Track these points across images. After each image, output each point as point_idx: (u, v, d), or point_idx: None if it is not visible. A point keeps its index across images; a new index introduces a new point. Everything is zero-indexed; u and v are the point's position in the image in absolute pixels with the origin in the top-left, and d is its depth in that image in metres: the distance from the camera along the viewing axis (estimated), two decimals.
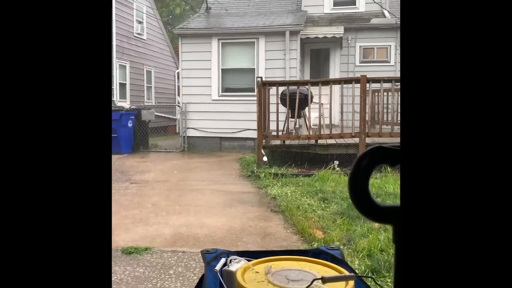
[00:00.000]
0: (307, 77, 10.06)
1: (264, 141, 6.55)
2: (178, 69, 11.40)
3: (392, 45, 9.72)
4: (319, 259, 1.12)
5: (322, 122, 6.52)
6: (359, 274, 1.02)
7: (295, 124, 6.58)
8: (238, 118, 9.05)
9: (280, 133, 6.43)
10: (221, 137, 9.33)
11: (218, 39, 9.23)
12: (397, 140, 6.15)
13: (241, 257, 1.13)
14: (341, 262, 1.16)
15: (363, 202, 0.56)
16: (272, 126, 6.82)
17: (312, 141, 6.43)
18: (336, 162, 6.07)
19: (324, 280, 0.80)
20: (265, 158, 6.46)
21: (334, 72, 10.02)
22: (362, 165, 0.56)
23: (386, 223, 0.58)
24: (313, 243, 3.09)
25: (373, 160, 0.56)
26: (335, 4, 10.61)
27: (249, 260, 1.07)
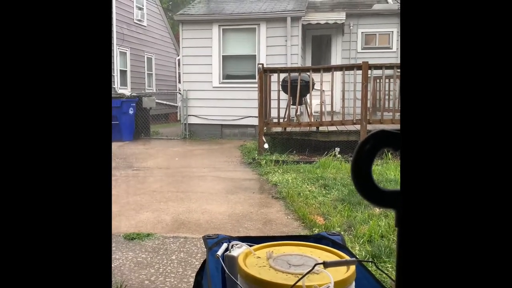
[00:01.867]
0: (308, 63, 10.00)
1: (265, 128, 6.54)
2: (178, 56, 11.32)
3: (395, 31, 9.63)
4: (320, 244, 1.13)
5: (323, 109, 6.50)
6: (360, 259, 1.03)
7: (296, 111, 6.56)
8: (239, 105, 9.02)
9: (281, 120, 6.41)
10: (222, 124, 9.32)
11: (219, 25, 9.15)
12: (398, 127, 6.11)
13: (243, 242, 1.13)
14: (342, 247, 1.16)
15: (366, 187, 0.56)
16: (274, 113, 6.80)
17: (314, 128, 6.42)
18: (337, 149, 6.07)
19: (326, 264, 0.80)
20: (266, 145, 6.46)
21: (336, 58, 9.95)
22: (365, 149, 0.56)
23: (388, 208, 0.58)
24: (314, 229, 3.11)
25: (377, 144, 0.56)
26: None
27: (250, 245, 1.07)
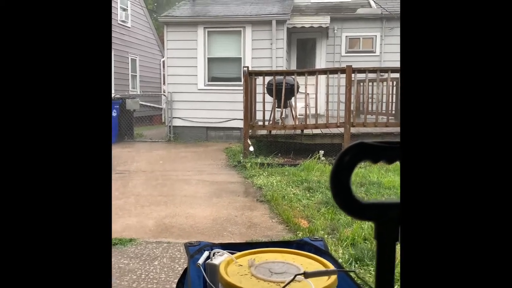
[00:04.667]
0: (293, 66, 10.05)
1: (250, 131, 6.54)
2: (163, 57, 11.23)
3: (378, 35, 9.75)
4: (303, 250, 1.13)
5: (308, 112, 6.54)
6: (342, 265, 1.03)
7: (281, 114, 6.58)
8: (225, 107, 9.00)
9: (266, 123, 6.42)
10: (207, 127, 9.27)
11: (204, 27, 9.12)
12: (381, 130, 6.21)
13: (225, 249, 1.12)
14: (325, 253, 1.17)
15: (345, 199, 0.56)
16: (259, 116, 6.81)
17: (298, 131, 6.45)
18: (322, 152, 6.10)
19: (306, 275, 0.80)
20: (251, 148, 6.46)
21: (320, 62, 10.02)
22: (344, 161, 0.56)
23: (367, 220, 0.58)
24: (298, 232, 3.12)
25: (355, 156, 0.56)
26: None
27: (232, 253, 1.06)
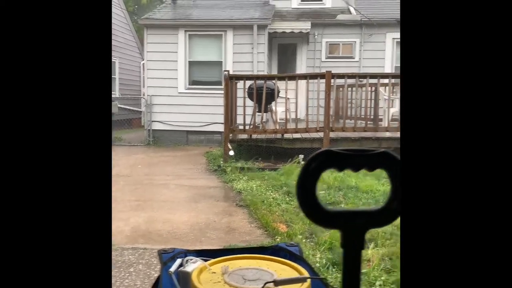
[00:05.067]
0: (274, 71, 10.09)
1: (231, 135, 6.52)
2: (143, 60, 11.11)
3: (357, 41, 9.90)
4: (279, 255, 1.13)
5: (288, 117, 6.57)
6: (317, 270, 1.03)
7: (262, 118, 6.60)
8: (205, 111, 8.96)
9: (247, 127, 6.42)
10: (187, 131, 9.21)
11: (185, 30, 9.08)
12: (360, 134, 6.29)
13: (200, 256, 1.11)
14: (299, 259, 1.17)
15: (311, 207, 0.56)
16: (239, 120, 6.80)
17: (279, 135, 6.47)
18: (301, 156, 6.14)
19: (276, 283, 0.80)
20: (231, 152, 6.44)
21: (301, 67, 10.10)
22: (310, 169, 0.56)
23: (333, 228, 0.58)
24: (276, 237, 3.12)
25: (321, 164, 0.56)
26: None
27: (206, 260, 1.05)
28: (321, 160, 0.56)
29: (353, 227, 0.56)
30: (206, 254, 1.13)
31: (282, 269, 1.01)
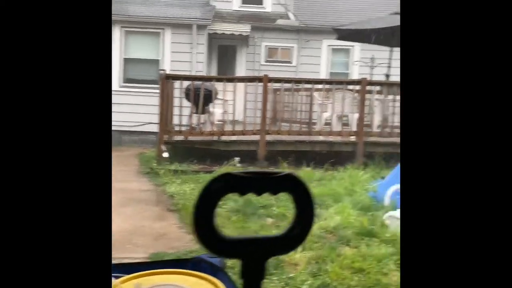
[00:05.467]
0: (214, 72, 10.04)
1: (166, 136, 6.36)
2: None
3: (295, 47, 10.16)
4: (200, 268, 1.08)
5: (226, 119, 6.55)
6: (235, 284, 1.01)
7: (199, 120, 6.51)
8: (141, 110, 8.68)
9: (183, 129, 6.30)
10: (121, 131, 8.82)
11: (121, 26, 8.75)
12: (294, 138, 6.44)
13: (113, 272, 1.03)
14: (220, 271, 1.13)
15: (207, 235, 0.52)
16: (176, 121, 6.66)
17: (215, 138, 6.43)
18: (237, 159, 6.14)
19: None
20: (165, 154, 6.27)
21: (241, 69, 10.14)
22: (208, 194, 0.51)
23: (233, 258, 0.54)
24: None
25: (221, 189, 0.52)
26: (243, 1, 10.71)
27: (118, 277, 0.98)
28: (221, 185, 0.51)
29: (254, 256, 0.52)
30: (119, 270, 1.06)
31: (199, 284, 0.97)
